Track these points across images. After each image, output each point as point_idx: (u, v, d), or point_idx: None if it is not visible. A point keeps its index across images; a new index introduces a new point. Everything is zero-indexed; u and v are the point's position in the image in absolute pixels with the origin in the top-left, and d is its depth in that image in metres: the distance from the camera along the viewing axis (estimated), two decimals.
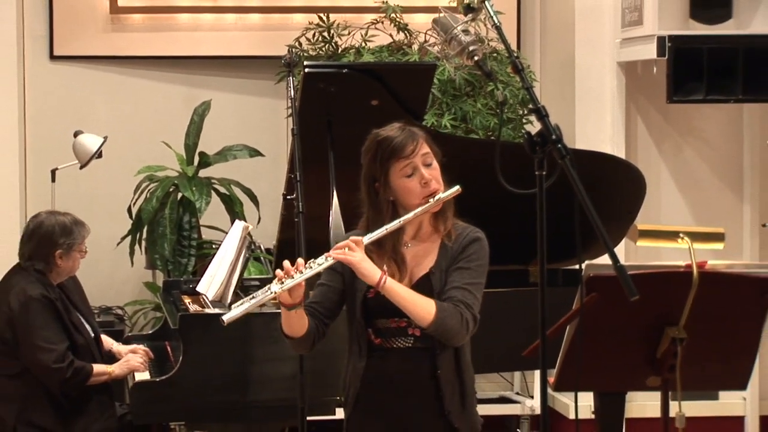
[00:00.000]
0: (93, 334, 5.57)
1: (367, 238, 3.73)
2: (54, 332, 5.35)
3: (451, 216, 3.87)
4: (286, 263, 3.69)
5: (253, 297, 3.74)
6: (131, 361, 5.54)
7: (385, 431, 3.86)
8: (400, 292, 3.72)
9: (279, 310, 5.17)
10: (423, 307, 3.71)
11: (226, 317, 3.73)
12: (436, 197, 3.79)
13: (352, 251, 3.69)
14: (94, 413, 5.43)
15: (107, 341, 5.68)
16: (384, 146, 3.81)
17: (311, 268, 3.69)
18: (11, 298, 5.36)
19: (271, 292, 3.67)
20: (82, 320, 5.55)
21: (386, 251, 3.80)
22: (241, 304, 3.74)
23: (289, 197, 5.13)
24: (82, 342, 5.43)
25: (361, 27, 7.31)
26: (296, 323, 3.76)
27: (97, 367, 5.42)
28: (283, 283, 3.65)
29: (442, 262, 3.83)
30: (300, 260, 3.70)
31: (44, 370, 5.31)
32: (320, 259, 3.71)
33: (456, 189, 3.81)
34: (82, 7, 7.63)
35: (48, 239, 5.43)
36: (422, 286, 3.81)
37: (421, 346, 3.83)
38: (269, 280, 5.89)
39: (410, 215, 3.76)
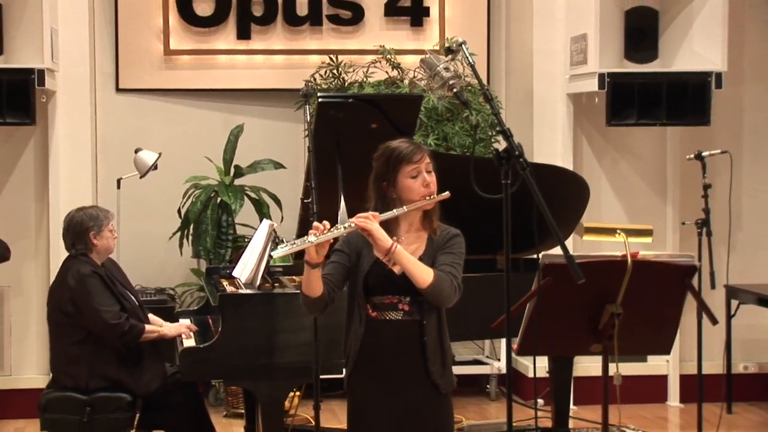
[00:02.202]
0: (137, 303, 5.59)
1: (382, 216, 3.77)
2: (107, 298, 5.36)
3: (437, 217, 3.91)
4: (317, 224, 3.72)
5: (294, 243, 3.76)
6: (180, 327, 5.57)
7: (380, 387, 3.86)
8: (408, 257, 3.75)
9: (297, 291, 5.19)
10: (425, 271, 3.74)
11: (275, 254, 3.78)
12: (433, 197, 3.83)
13: (370, 221, 3.73)
14: (149, 368, 5.42)
15: (156, 320, 5.67)
16: (396, 153, 3.86)
17: (338, 229, 3.73)
18: (68, 278, 5.36)
19: (308, 242, 3.68)
20: (127, 292, 5.56)
21: (390, 236, 3.80)
22: (285, 246, 3.78)
23: (305, 201, 5.14)
24: (129, 307, 5.43)
25: (363, 66, 7.30)
26: (314, 283, 3.75)
27: (149, 326, 5.45)
28: (315, 237, 3.67)
29: (429, 251, 3.85)
30: (326, 222, 3.73)
31: (105, 328, 5.30)
32: (345, 224, 3.75)
33: (446, 194, 3.85)
34: (142, 50, 7.63)
35: (80, 226, 5.43)
36: None
37: (409, 319, 3.84)
38: (290, 268, 5.94)
39: (413, 206, 3.80)
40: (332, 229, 3.72)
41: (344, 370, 3.99)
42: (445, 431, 3.94)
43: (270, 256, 5.18)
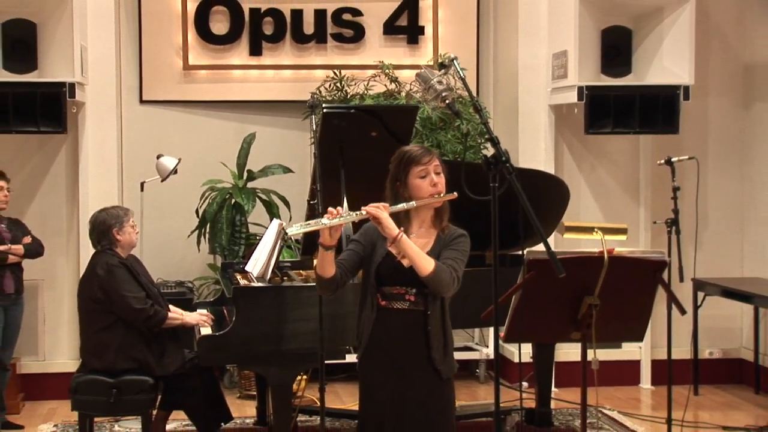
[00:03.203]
0: (158, 294, 5.60)
1: (392, 208, 3.77)
2: (134, 286, 5.37)
3: (447, 218, 3.90)
4: (331, 209, 3.72)
5: (308, 224, 3.76)
6: (200, 316, 5.58)
7: (387, 371, 3.85)
8: (412, 246, 3.74)
9: (304, 284, 5.19)
10: (427, 260, 3.74)
11: (290, 231, 3.78)
12: (440, 195, 3.83)
13: (380, 210, 3.74)
14: (169, 351, 5.43)
15: (176, 311, 5.66)
16: (408, 155, 3.87)
17: (350, 215, 3.73)
18: (98, 270, 5.36)
19: (322, 223, 3.68)
20: (149, 284, 5.57)
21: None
22: (301, 226, 3.77)
23: (311, 202, 5.13)
24: (152, 294, 5.47)
25: (364, 80, 7.29)
26: (328, 264, 3.76)
27: (171, 314, 5.46)
28: (330, 220, 3.67)
29: (436, 247, 3.85)
30: (340, 208, 3.73)
31: (132, 312, 5.31)
32: (357, 211, 3.75)
33: (453, 194, 3.84)
34: (163, 65, 7.62)
35: (103, 224, 5.45)
36: None
37: (415, 309, 3.83)
38: (299, 262, 5.94)
39: (421, 202, 3.80)
40: (344, 215, 3.72)
41: (354, 355, 3.99)
42: (446, 413, 3.91)
43: (278, 253, 5.17)
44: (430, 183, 3.83)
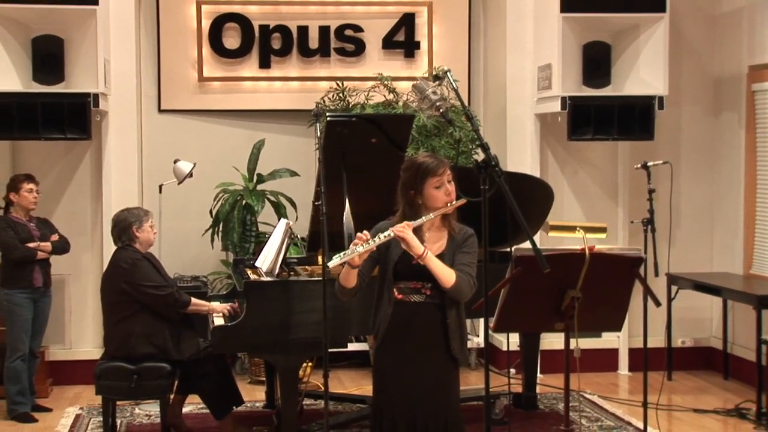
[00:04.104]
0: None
1: (413, 224, 3.74)
2: (156, 275, 5.42)
3: (454, 218, 3.89)
4: (360, 234, 3.71)
5: (345, 254, 3.73)
6: (224, 307, 5.58)
7: (404, 360, 3.82)
8: (437, 263, 3.74)
9: (310, 279, 5.18)
10: (449, 273, 3.73)
11: (330, 264, 3.78)
12: (453, 203, 3.81)
13: (405, 231, 3.71)
14: (185, 339, 5.44)
15: (198, 301, 5.66)
16: (424, 167, 3.82)
17: (379, 239, 3.72)
18: (121, 263, 5.37)
19: (356, 251, 3.68)
20: (167, 275, 5.58)
21: (417, 236, 3.78)
22: (338, 257, 3.74)
23: (316, 203, 5.12)
24: (172, 284, 5.50)
25: (364, 90, 7.27)
26: (352, 278, 3.77)
27: (195, 300, 5.47)
28: (362, 247, 3.67)
29: (450, 247, 3.84)
30: (366, 232, 3.73)
31: (156, 299, 5.33)
32: (384, 234, 3.73)
33: (463, 200, 3.81)
34: (180, 77, 7.60)
35: (124, 222, 5.47)
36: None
37: (430, 302, 3.81)
38: (304, 259, 5.93)
39: (438, 212, 3.78)
40: (374, 239, 3.71)
41: (367, 344, 3.97)
42: (456, 399, 3.90)
43: (286, 250, 5.17)
44: (444, 193, 3.81)
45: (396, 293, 3.83)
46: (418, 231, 3.78)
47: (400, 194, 3.87)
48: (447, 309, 3.80)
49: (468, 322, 7.74)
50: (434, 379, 3.80)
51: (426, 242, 3.77)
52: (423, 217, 3.77)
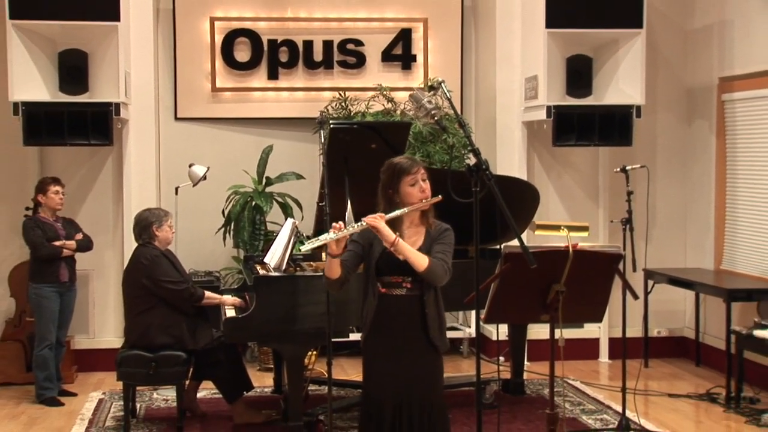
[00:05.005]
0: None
1: (388, 216, 3.74)
2: (174, 271, 5.42)
3: (432, 215, 3.88)
4: (335, 224, 3.70)
5: (318, 239, 3.71)
6: (235, 299, 5.58)
7: (389, 348, 3.82)
8: (407, 248, 3.72)
9: (315, 274, 5.16)
10: (422, 258, 3.72)
11: (303, 248, 3.78)
12: (427, 200, 3.80)
13: (377, 220, 3.71)
14: (200, 329, 5.44)
15: (211, 294, 5.65)
16: (399, 167, 3.83)
17: (353, 227, 3.71)
18: (142, 259, 5.37)
19: (329, 238, 3.66)
20: (183, 271, 5.57)
21: (394, 231, 3.77)
22: (312, 242, 3.73)
23: (320, 204, 5.12)
24: (188, 279, 5.50)
25: (365, 100, 7.26)
26: (334, 268, 3.74)
27: (208, 293, 5.46)
28: (335, 234, 3.65)
29: (426, 242, 3.83)
30: (341, 222, 3.71)
31: (173, 293, 5.33)
32: (357, 223, 3.73)
33: (438, 197, 3.82)
34: (195, 88, 7.58)
35: (145, 221, 5.47)
36: None
37: (411, 294, 3.81)
38: (309, 255, 5.91)
39: (411, 207, 3.78)
40: (348, 227, 3.70)
41: (359, 335, 3.96)
42: (439, 384, 3.90)
43: (299, 249, 5.16)
44: (419, 190, 3.81)
45: (380, 287, 3.83)
46: (398, 228, 3.78)
47: (380, 194, 3.87)
48: (426, 300, 3.79)
49: (460, 313, 7.86)
50: (417, 365, 3.80)
51: (405, 238, 3.77)
52: (397, 211, 3.77)
